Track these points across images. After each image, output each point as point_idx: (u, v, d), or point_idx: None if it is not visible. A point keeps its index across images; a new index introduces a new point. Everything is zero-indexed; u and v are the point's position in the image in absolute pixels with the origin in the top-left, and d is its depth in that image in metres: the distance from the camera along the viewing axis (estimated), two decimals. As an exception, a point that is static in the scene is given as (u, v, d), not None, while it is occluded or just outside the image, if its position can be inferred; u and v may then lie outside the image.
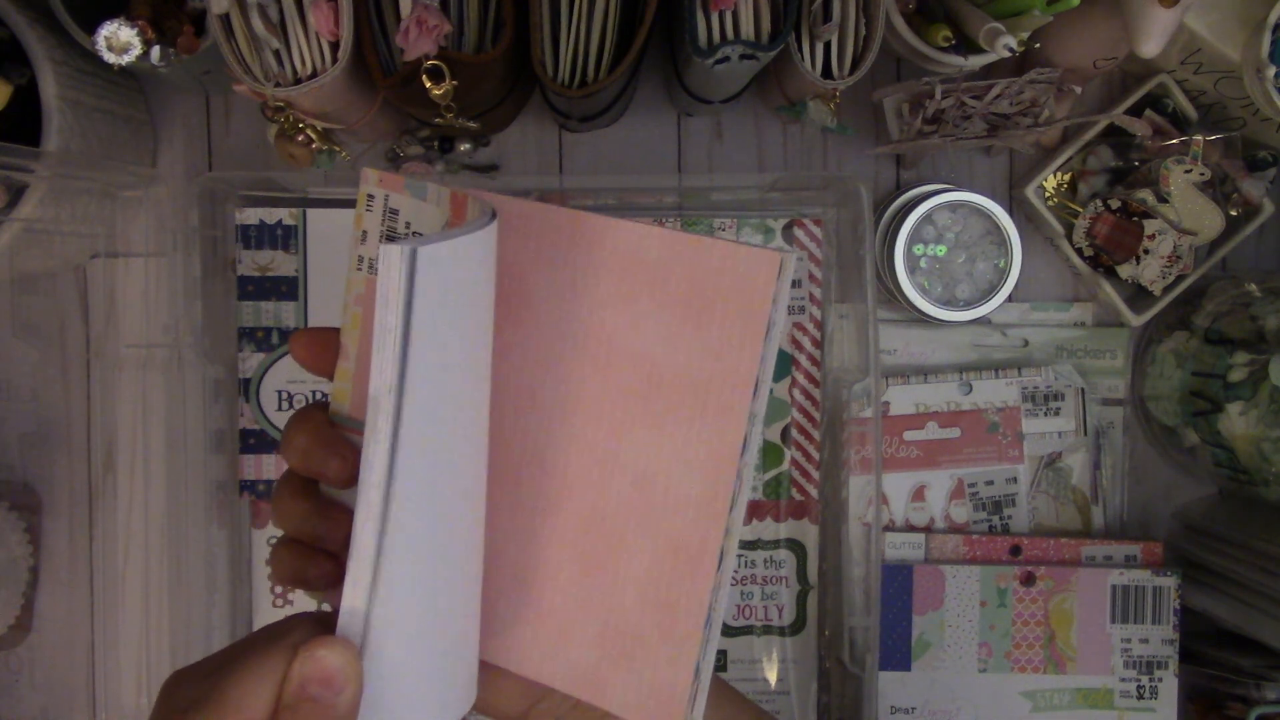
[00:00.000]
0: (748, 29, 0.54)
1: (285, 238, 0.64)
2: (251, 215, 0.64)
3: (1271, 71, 0.55)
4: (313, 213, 0.64)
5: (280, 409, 0.64)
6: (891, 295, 0.66)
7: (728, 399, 0.36)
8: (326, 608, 0.50)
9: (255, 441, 0.64)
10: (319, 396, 0.64)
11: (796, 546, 0.66)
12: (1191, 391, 0.64)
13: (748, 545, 0.66)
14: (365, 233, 0.38)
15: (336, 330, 0.39)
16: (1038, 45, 0.59)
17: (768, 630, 0.66)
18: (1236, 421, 0.61)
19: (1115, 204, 0.64)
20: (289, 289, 0.64)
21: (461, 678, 0.37)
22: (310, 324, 0.64)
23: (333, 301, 0.64)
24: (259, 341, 0.64)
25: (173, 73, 0.57)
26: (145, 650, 0.66)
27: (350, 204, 0.64)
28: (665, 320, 0.37)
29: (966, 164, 0.69)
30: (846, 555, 0.64)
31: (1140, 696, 0.65)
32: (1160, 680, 0.65)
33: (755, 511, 0.66)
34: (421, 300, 0.31)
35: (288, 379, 0.64)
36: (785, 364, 0.66)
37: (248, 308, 0.64)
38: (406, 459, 0.32)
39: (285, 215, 0.64)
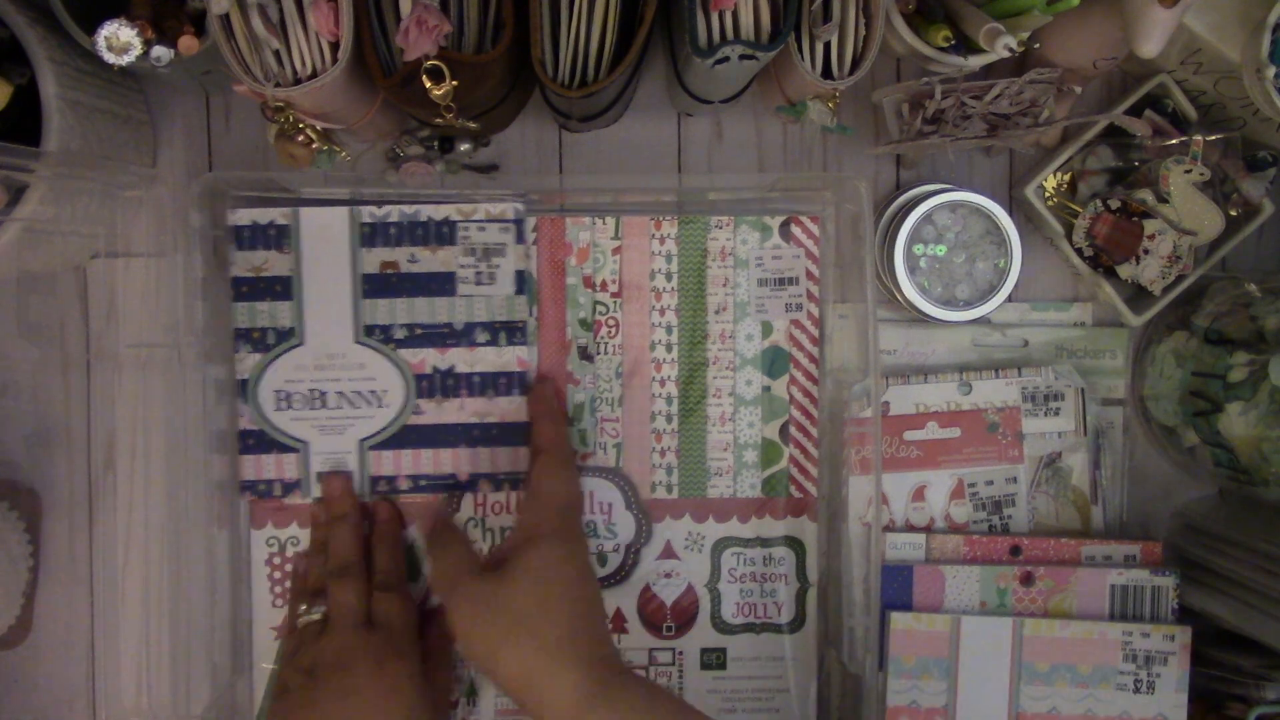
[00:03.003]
0: (748, 29, 0.54)
1: (279, 238, 0.64)
2: (244, 216, 0.64)
3: (1271, 71, 0.55)
4: (305, 211, 0.64)
5: (279, 409, 0.64)
6: (891, 295, 0.66)
7: None
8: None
9: (254, 442, 0.64)
10: (317, 395, 0.64)
11: (796, 544, 0.66)
12: (1191, 391, 0.64)
13: (747, 542, 0.66)
14: None
15: None
16: (1038, 45, 0.59)
17: (767, 628, 0.66)
18: (1236, 421, 0.61)
19: (1115, 204, 0.64)
20: (284, 288, 0.64)
21: None
22: (309, 321, 0.64)
23: (329, 300, 0.64)
24: (255, 342, 0.64)
25: (173, 73, 0.57)
26: (145, 650, 0.66)
27: (348, 202, 0.64)
28: None
29: (966, 164, 0.69)
30: (846, 555, 0.64)
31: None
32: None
33: (755, 509, 0.66)
34: None
35: (286, 379, 0.64)
36: (784, 361, 0.66)
37: (242, 308, 0.64)
38: None
39: (278, 215, 0.64)
